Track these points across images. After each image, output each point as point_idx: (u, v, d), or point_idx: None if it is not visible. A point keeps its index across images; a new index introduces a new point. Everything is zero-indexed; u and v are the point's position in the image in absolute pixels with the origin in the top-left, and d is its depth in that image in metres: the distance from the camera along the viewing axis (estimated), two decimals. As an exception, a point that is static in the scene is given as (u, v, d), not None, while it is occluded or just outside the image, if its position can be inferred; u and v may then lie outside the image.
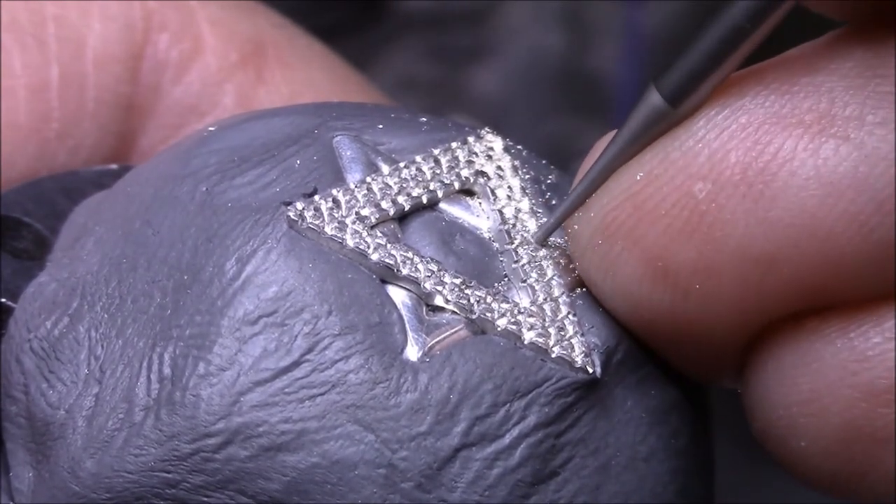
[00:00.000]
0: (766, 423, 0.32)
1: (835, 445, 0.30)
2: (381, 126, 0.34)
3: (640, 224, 0.30)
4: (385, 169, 0.33)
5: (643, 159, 0.30)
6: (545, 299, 0.32)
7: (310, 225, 0.31)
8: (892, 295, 0.30)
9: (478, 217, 0.33)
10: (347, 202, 0.32)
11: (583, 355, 0.31)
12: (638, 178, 0.30)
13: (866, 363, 0.30)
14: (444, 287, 0.31)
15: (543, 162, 0.35)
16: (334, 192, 0.32)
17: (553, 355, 0.31)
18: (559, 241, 0.33)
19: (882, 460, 0.30)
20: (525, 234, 0.33)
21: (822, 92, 0.29)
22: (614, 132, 0.31)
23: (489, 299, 0.31)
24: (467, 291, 0.31)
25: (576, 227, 0.32)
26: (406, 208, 0.32)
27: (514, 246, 0.32)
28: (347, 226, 0.31)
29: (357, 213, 0.32)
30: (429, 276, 0.31)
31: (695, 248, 0.30)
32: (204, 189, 0.32)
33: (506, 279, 0.32)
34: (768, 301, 0.30)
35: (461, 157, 0.33)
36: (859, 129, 0.29)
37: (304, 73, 0.42)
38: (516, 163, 0.34)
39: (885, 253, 0.29)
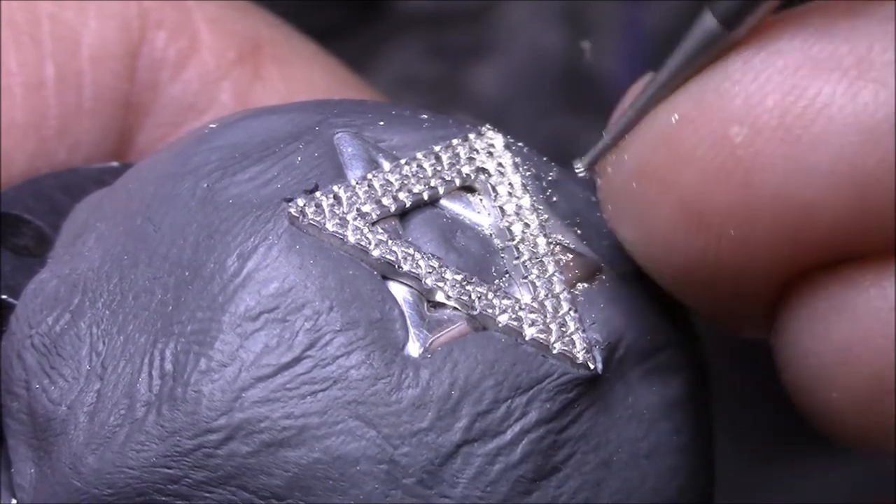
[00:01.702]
0: (797, 374, 0.31)
1: (865, 397, 0.30)
2: (381, 123, 0.34)
3: (674, 168, 0.30)
4: (386, 165, 0.33)
5: (678, 101, 0.30)
6: (546, 295, 0.32)
7: (311, 221, 0.31)
8: None
9: (479, 214, 0.33)
10: (349, 198, 0.32)
11: (584, 351, 0.31)
12: (673, 120, 0.30)
13: None
14: (445, 283, 0.31)
15: (544, 159, 0.35)
16: (335, 188, 0.32)
17: (554, 351, 0.31)
18: (559, 237, 0.33)
19: None
20: (526, 232, 0.33)
21: (861, 36, 0.29)
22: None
23: (490, 295, 0.31)
24: (468, 288, 0.31)
25: (609, 170, 0.31)
26: (407, 205, 0.32)
27: (515, 242, 0.32)
28: (348, 222, 0.31)
29: (358, 210, 0.32)
30: (430, 273, 0.31)
31: (730, 193, 0.29)
32: (205, 185, 0.32)
33: (507, 276, 0.32)
34: (803, 248, 0.30)
35: (462, 154, 0.33)
36: None
37: (302, 71, 0.42)
38: (517, 159, 0.34)
39: None
